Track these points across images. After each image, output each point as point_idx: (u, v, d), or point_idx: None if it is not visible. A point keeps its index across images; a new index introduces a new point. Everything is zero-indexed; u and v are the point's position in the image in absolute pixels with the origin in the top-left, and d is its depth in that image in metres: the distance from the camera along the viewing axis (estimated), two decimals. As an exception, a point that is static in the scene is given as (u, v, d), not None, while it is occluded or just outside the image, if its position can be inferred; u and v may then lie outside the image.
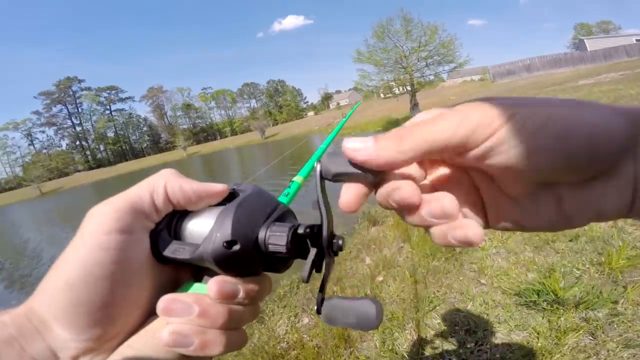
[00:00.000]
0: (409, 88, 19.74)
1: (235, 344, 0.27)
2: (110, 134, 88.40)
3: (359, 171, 0.24)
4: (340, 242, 0.29)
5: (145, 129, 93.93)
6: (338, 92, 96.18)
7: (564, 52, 33.71)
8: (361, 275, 3.34)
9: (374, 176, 0.25)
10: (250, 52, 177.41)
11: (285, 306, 3.36)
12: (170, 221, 0.30)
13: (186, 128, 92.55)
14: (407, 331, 2.15)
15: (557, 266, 2.26)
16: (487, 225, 0.27)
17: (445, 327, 2.04)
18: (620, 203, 0.22)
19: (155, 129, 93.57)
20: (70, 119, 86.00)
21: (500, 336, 1.83)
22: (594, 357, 1.59)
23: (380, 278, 3.14)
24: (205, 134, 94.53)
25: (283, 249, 0.27)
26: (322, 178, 0.27)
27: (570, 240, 2.57)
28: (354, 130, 24.74)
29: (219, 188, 0.30)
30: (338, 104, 78.04)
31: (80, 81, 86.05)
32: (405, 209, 0.25)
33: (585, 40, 36.28)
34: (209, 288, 0.26)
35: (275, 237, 0.27)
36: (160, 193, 0.28)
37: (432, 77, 20.59)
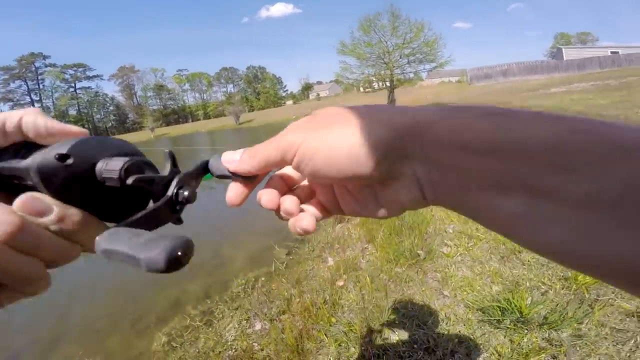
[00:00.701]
0: (388, 84, 19.92)
1: (18, 270, 0.24)
2: (73, 112, 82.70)
3: (235, 175, 0.31)
4: (186, 193, 0.29)
5: (111, 108, 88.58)
6: (319, 83, 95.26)
7: (540, 60, 34.99)
8: (321, 278, 3.14)
9: (248, 178, 0.31)
10: (233, 36, 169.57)
11: (237, 308, 3.10)
12: (20, 148, 0.28)
13: (156, 109, 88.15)
14: (363, 347, 1.97)
15: (523, 279, 2.16)
16: (342, 212, 0.34)
17: (404, 345, 1.87)
18: (412, 197, 0.27)
19: (123, 109, 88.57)
20: (30, 95, 79.52)
21: (460, 357, 1.69)
22: None
23: (341, 283, 2.96)
24: (176, 116, 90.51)
25: (115, 175, 0.25)
26: (209, 172, 0.33)
27: (537, 251, 2.48)
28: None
29: (76, 129, 0.31)
30: (318, 95, 77.40)
31: (45, 57, 79.57)
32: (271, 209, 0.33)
33: (563, 49, 37.72)
34: (17, 199, 0.24)
35: (113, 163, 0.26)
36: (14, 120, 0.28)
37: (412, 75, 20.80)
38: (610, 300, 1.85)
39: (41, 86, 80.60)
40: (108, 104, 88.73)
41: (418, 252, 2.90)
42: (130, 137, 50.59)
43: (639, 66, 25.11)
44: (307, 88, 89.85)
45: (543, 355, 1.59)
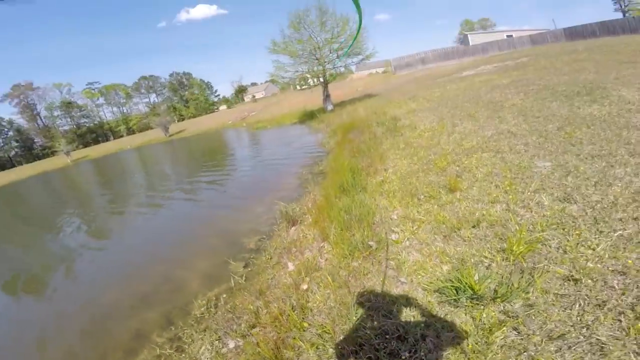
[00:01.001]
0: (322, 80, 20.28)
1: None
2: (-38, 142, 69.25)
3: None
4: None
5: (11, 133, 75.84)
6: (254, 84, 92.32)
7: (451, 46, 38.60)
8: (284, 284, 3.10)
9: None
10: (149, 42, 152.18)
11: (204, 330, 2.98)
12: None
13: (68, 129, 77.45)
14: (340, 346, 2.00)
15: (467, 255, 2.36)
16: None
17: (377, 337, 1.92)
18: None
19: (26, 133, 76.23)
20: None
21: (431, 340, 1.78)
22: (524, 353, 1.58)
23: (305, 286, 2.95)
24: (94, 135, 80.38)
25: None
26: None
27: (473, 227, 2.73)
28: (271, 123, 24.32)
29: None
30: (253, 96, 75.20)
31: None
32: None
33: (468, 35, 42.19)
34: None
35: None
36: None
37: (342, 69, 21.50)
38: (545, 266, 2.04)
39: None
40: (6, 129, 75.66)
41: (369, 243, 3.00)
42: (43, 165, 44.17)
43: (529, 47, 29.18)
44: (240, 91, 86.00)
45: (505, 328, 1.70)
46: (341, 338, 2.05)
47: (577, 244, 2.16)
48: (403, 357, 1.73)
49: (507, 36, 36.38)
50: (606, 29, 24.14)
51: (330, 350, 2.00)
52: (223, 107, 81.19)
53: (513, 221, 2.60)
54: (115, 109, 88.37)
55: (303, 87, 23.59)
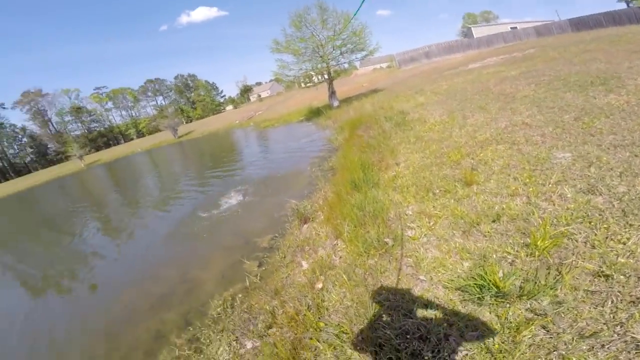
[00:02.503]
0: (326, 77, 20.22)
1: None
2: (-25, 151, 71.24)
3: None
4: None
5: (25, 140, 77.75)
6: (259, 84, 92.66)
7: (455, 39, 38.17)
8: (299, 283, 3.07)
9: None
10: (152, 46, 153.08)
11: (222, 330, 2.99)
12: None
13: (79, 134, 79.48)
14: (358, 347, 1.95)
15: (489, 252, 2.28)
16: None
17: (397, 337, 1.87)
18: None
19: (39, 139, 77.98)
20: None
21: (455, 340, 1.73)
22: (554, 352, 1.52)
23: (320, 285, 2.91)
24: (104, 139, 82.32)
25: None
26: None
27: (493, 221, 2.64)
28: (278, 121, 24.34)
29: None
30: (259, 95, 75.39)
31: None
32: None
33: (472, 28, 41.80)
34: None
35: None
36: None
37: (346, 65, 21.37)
38: (573, 262, 1.96)
39: None
40: (20, 136, 77.62)
41: (385, 240, 2.93)
42: (58, 170, 45.06)
43: (535, 39, 28.55)
44: (246, 90, 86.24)
45: (532, 327, 1.62)
46: (359, 338, 2.00)
47: (606, 238, 2.07)
48: (426, 358, 1.68)
49: (512, 28, 35.81)
50: (612, 18, 23.56)
51: (349, 351, 1.95)
52: (230, 108, 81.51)
53: (535, 215, 2.50)
54: (124, 112, 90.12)
55: (308, 85, 23.48)
